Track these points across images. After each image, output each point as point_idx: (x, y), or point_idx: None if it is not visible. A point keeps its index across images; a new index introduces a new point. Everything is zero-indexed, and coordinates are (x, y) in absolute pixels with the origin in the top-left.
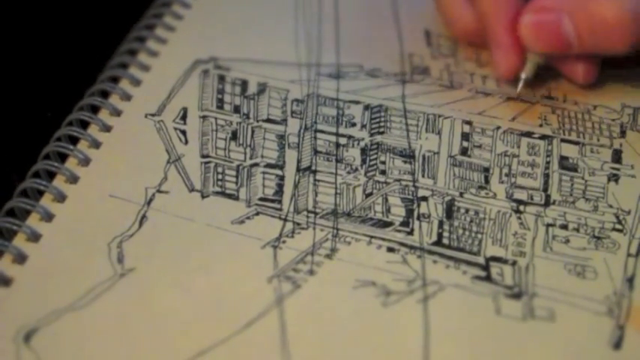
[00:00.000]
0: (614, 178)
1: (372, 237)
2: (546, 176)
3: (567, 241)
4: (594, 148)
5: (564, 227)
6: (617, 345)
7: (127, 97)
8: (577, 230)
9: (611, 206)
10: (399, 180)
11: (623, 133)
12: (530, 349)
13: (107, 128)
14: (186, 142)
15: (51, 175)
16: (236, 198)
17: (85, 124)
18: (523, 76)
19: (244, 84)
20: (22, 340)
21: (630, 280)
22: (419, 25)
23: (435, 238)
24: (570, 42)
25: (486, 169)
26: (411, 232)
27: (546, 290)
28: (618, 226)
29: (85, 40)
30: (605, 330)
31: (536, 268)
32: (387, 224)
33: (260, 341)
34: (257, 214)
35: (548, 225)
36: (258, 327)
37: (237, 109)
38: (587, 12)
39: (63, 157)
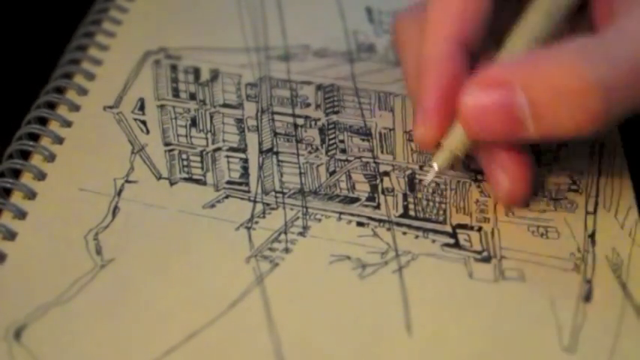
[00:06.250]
0: (564, 142)
1: (341, 213)
2: None
3: (527, 205)
4: None
5: None
6: (588, 298)
7: (84, 92)
8: (535, 194)
9: (564, 169)
10: (359, 157)
11: None
12: (505, 308)
13: (68, 123)
14: (148, 131)
15: (17, 174)
16: (204, 183)
17: (44, 122)
18: (435, 166)
19: (197, 71)
20: (13, 338)
21: (592, 236)
22: (359, 1)
23: (401, 210)
24: (524, 125)
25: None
26: (377, 207)
27: (513, 252)
28: (574, 187)
29: (31, 42)
30: (575, 285)
31: (501, 233)
32: (353, 200)
33: (246, 320)
34: (226, 197)
35: None
36: (243, 306)
37: (193, 97)
38: (549, 82)
39: (26, 157)
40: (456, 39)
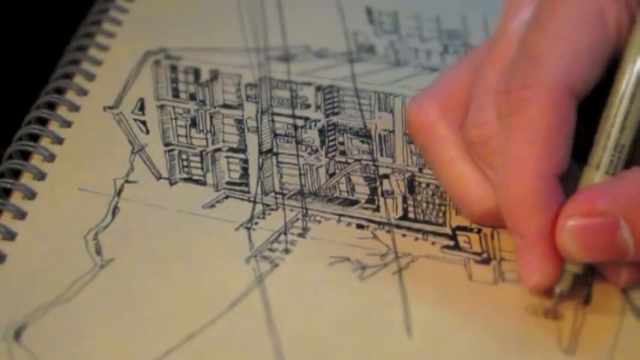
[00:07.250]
0: None
1: (340, 215)
2: None
3: None
4: None
5: None
6: (587, 300)
7: (84, 92)
8: None
9: None
10: (359, 160)
11: None
12: (505, 310)
13: (67, 124)
14: (148, 131)
15: (16, 175)
16: (204, 183)
17: (44, 122)
18: (558, 290)
19: (196, 72)
20: (13, 338)
21: None
22: (359, 2)
23: (401, 213)
24: (626, 251)
25: None
26: (377, 209)
27: (513, 254)
28: None
29: (31, 42)
30: (574, 287)
31: (500, 234)
32: (353, 202)
33: (246, 320)
34: (226, 197)
35: None
36: (243, 306)
37: (192, 97)
38: None
39: (26, 158)
40: (550, 172)
